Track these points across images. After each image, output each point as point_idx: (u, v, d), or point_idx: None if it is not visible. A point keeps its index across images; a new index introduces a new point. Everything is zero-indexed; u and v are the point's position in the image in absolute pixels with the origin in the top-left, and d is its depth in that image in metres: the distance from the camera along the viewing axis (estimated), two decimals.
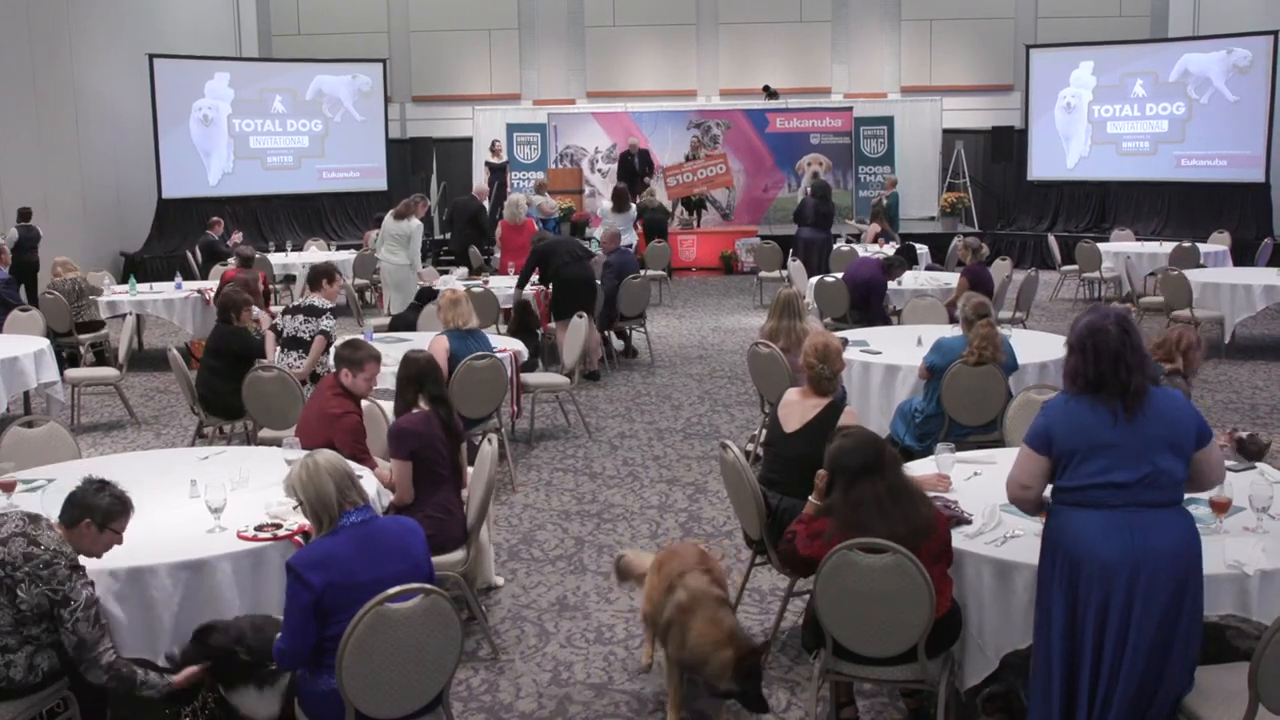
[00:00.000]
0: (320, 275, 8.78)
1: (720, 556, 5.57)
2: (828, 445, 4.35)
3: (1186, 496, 4.69)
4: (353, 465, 4.27)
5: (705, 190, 20.36)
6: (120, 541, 4.08)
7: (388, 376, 6.83)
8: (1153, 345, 5.94)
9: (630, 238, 14.80)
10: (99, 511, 3.98)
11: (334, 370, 6.09)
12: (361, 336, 6.97)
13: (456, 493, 5.44)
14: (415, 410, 5.44)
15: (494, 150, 19.98)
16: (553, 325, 11.14)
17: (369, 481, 5.00)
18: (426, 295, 11.62)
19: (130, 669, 3.96)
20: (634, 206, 15.48)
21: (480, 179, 19.36)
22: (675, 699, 4.57)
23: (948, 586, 4.15)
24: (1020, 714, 4.52)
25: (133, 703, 4.69)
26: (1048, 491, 3.87)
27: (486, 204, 17.49)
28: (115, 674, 3.93)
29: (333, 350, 7.07)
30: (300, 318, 8.48)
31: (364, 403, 6.06)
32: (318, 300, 8.56)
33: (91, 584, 3.93)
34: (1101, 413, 3.72)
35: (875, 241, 15.94)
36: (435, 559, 4.52)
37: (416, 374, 5.52)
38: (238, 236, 16.02)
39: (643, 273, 13.10)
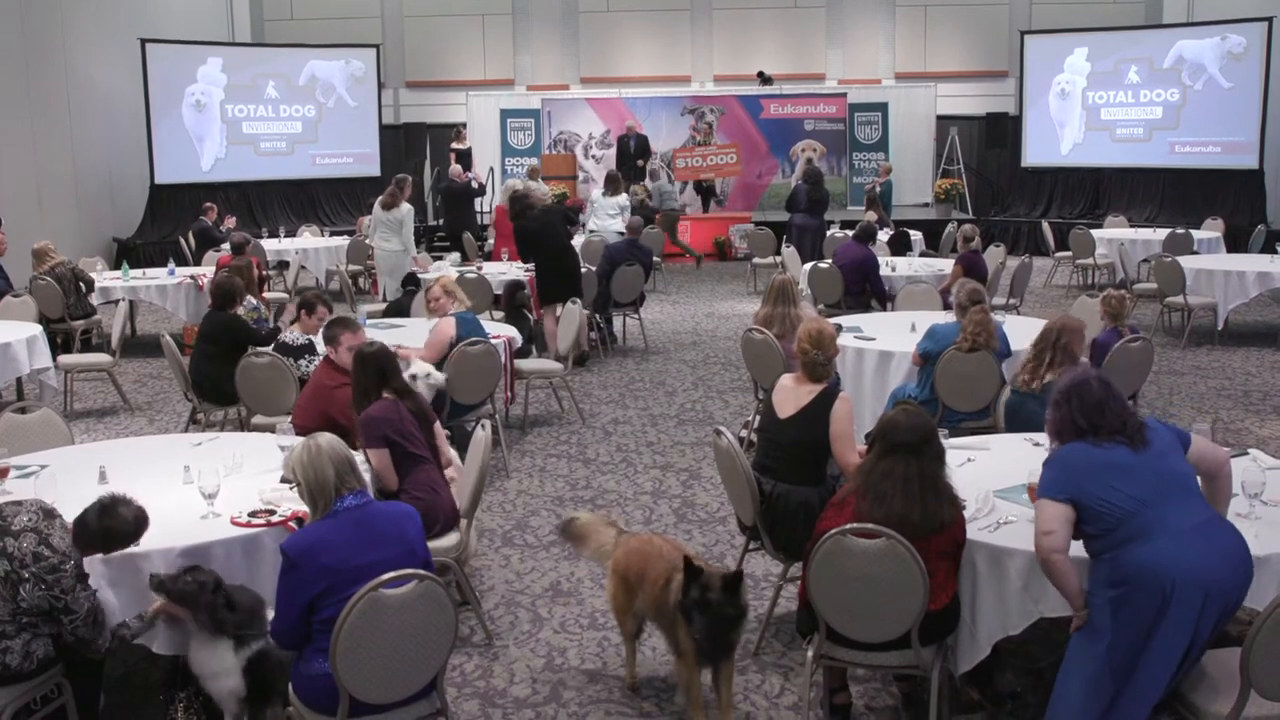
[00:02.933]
0: (301, 307, 7.80)
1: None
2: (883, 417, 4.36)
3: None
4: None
5: (713, 177, 20.36)
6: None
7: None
8: (1034, 350, 6.05)
9: (615, 224, 14.71)
10: (112, 540, 4.00)
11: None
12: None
13: (439, 471, 5.42)
14: (379, 400, 5.39)
15: (458, 137, 19.79)
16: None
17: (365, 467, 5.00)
18: (411, 280, 11.66)
19: (120, 641, 4.01)
20: (625, 194, 15.45)
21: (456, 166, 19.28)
22: (697, 697, 4.46)
23: (951, 583, 4.16)
24: (994, 688, 4.57)
25: (131, 691, 4.70)
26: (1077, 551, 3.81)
27: (475, 183, 17.50)
28: (111, 652, 4.00)
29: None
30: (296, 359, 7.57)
31: None
32: (290, 334, 7.70)
33: (94, 593, 3.94)
34: (1111, 448, 3.79)
35: None
36: (429, 544, 4.52)
37: (375, 370, 5.44)
38: (231, 222, 15.98)
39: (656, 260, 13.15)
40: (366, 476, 4.88)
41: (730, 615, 4.23)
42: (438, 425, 5.68)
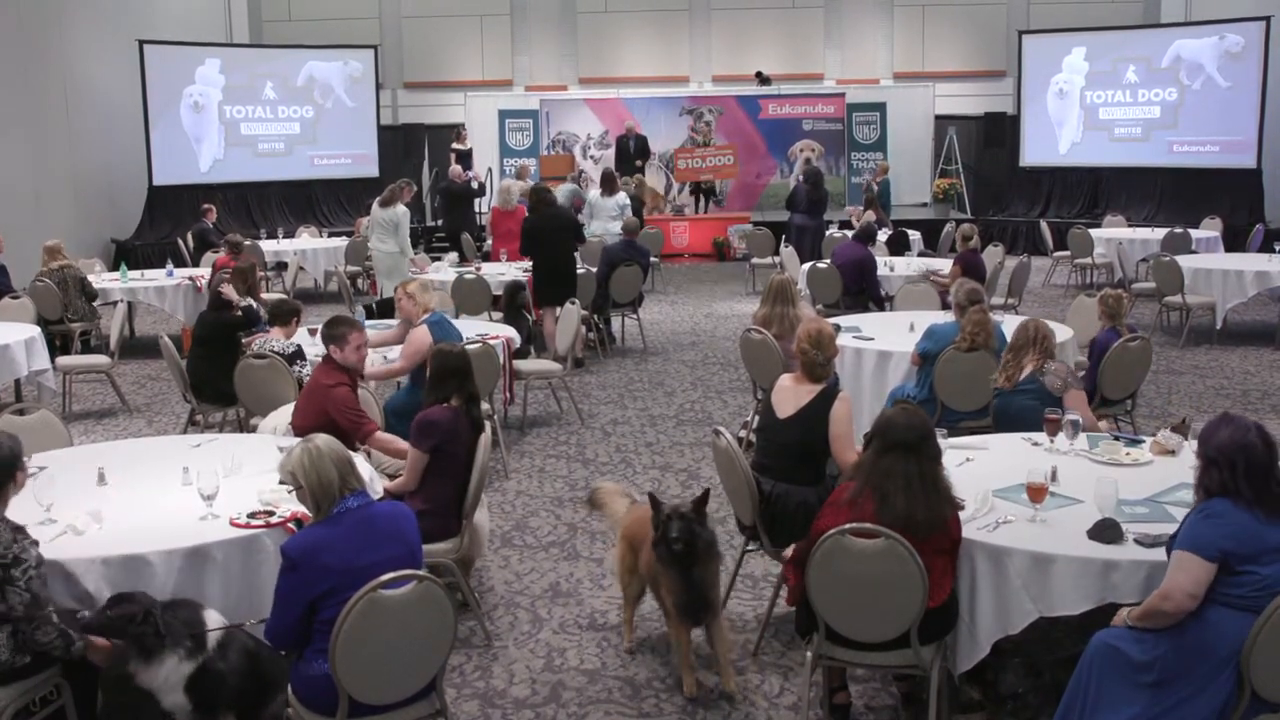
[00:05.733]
0: (290, 316, 7.72)
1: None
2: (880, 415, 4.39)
3: (1177, 483, 4.74)
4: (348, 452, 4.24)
5: (712, 178, 20.36)
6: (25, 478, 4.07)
7: (375, 362, 6.83)
8: (1012, 350, 6.10)
9: (615, 226, 14.64)
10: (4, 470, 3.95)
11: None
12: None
13: (462, 491, 5.39)
14: (446, 405, 5.42)
15: (459, 137, 19.77)
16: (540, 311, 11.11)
17: (363, 467, 4.99)
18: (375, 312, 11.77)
19: (69, 632, 3.89)
20: (622, 191, 15.41)
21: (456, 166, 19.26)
22: (684, 657, 4.80)
23: (948, 579, 4.15)
24: (994, 688, 4.57)
25: (129, 691, 4.69)
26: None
27: (474, 183, 17.50)
28: (61, 632, 3.86)
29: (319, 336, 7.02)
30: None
31: (360, 390, 6.08)
32: (277, 343, 7.53)
33: (35, 543, 3.88)
34: (1273, 524, 3.57)
35: None
36: (428, 546, 4.56)
37: (455, 369, 5.49)
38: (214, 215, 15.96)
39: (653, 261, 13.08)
40: (368, 474, 4.90)
41: (697, 530, 4.61)
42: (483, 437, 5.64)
